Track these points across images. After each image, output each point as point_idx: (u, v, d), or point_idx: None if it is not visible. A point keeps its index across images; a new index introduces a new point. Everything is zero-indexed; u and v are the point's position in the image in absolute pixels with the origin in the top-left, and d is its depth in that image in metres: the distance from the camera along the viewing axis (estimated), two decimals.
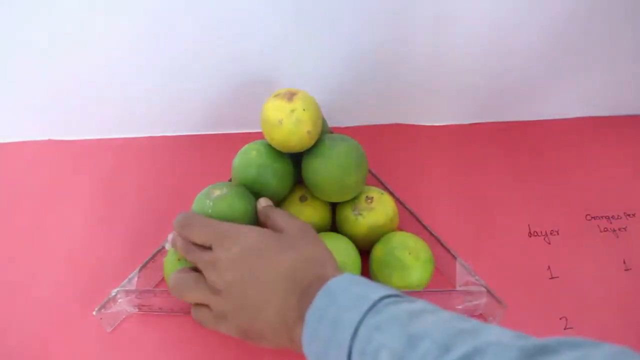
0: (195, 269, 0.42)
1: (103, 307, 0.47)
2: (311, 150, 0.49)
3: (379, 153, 0.61)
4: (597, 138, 0.64)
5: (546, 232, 0.56)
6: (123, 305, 0.49)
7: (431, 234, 0.51)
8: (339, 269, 0.40)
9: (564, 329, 0.48)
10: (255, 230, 0.42)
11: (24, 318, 0.51)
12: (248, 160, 0.49)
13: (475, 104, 0.65)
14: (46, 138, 0.67)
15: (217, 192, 0.45)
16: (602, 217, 0.57)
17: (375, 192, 0.52)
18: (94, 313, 0.47)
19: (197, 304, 0.42)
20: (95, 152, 0.66)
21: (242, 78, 0.61)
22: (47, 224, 0.58)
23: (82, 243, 0.56)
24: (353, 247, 0.49)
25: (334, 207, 0.53)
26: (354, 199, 0.51)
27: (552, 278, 0.52)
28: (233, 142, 0.54)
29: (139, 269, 0.49)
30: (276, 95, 0.47)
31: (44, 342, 0.49)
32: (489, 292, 0.47)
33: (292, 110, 0.46)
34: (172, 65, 0.58)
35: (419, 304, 0.33)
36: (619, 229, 0.56)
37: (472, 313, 0.49)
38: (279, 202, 0.52)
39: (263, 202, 0.47)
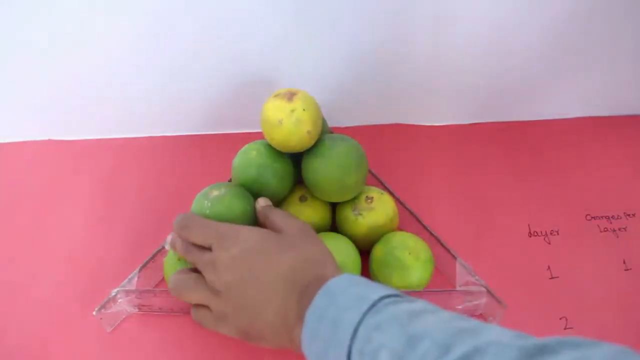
0: (195, 270, 0.42)
1: (103, 307, 0.47)
2: (311, 150, 0.49)
3: (379, 153, 0.61)
4: (597, 138, 0.64)
5: (546, 232, 0.56)
6: (123, 305, 0.49)
7: (431, 234, 0.51)
8: (338, 269, 0.40)
9: (564, 329, 0.48)
10: (254, 230, 0.42)
11: (24, 318, 0.51)
12: (248, 160, 0.49)
13: (475, 104, 0.65)
14: (46, 138, 0.67)
15: (215, 193, 0.45)
16: (602, 217, 0.57)
17: (375, 192, 0.52)
18: (94, 313, 0.47)
19: (197, 305, 0.42)
20: (95, 152, 0.66)
21: (242, 78, 0.61)
22: (47, 224, 0.58)
23: (82, 243, 0.56)
24: (353, 247, 0.49)
25: (334, 207, 0.53)
26: (354, 199, 0.51)
27: (552, 278, 0.52)
28: (233, 142, 0.54)
29: (139, 269, 0.49)
30: (276, 95, 0.47)
31: (44, 342, 0.49)
32: (489, 292, 0.47)
33: (292, 110, 0.46)
34: (172, 65, 0.58)
35: (419, 304, 0.33)
36: (619, 229, 0.56)
37: (472, 313, 0.49)
38: (279, 202, 0.52)
39: (262, 202, 0.46)
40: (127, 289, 0.48)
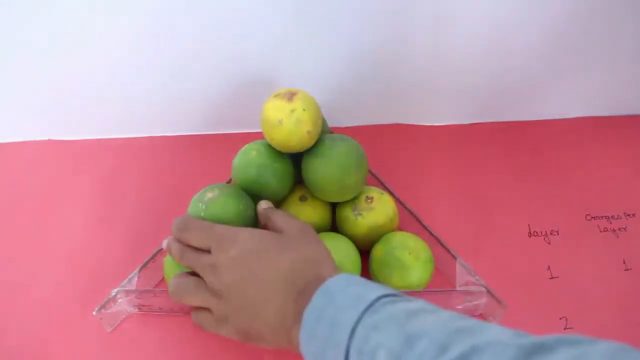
0: (193, 273, 0.42)
1: (103, 307, 0.47)
2: (311, 150, 0.49)
3: (379, 153, 0.61)
4: (597, 138, 0.64)
5: (546, 232, 0.56)
6: (123, 305, 0.49)
7: (431, 234, 0.51)
8: (337, 269, 0.40)
9: (564, 329, 0.48)
10: (253, 232, 0.42)
11: (24, 318, 0.51)
12: (248, 160, 0.49)
13: (475, 104, 0.65)
14: (46, 138, 0.67)
15: (209, 195, 0.45)
16: (602, 217, 0.57)
17: (375, 192, 0.52)
18: (94, 313, 0.47)
19: (197, 308, 0.42)
20: (95, 152, 0.66)
21: (242, 78, 0.61)
22: (47, 224, 0.58)
23: (82, 243, 0.56)
24: (353, 247, 0.49)
25: (334, 207, 0.53)
26: (354, 199, 0.51)
27: (552, 278, 0.52)
28: (233, 142, 0.54)
29: (139, 269, 0.49)
30: (276, 95, 0.47)
31: (44, 342, 0.49)
32: (489, 292, 0.47)
33: (292, 110, 0.46)
34: (172, 65, 0.58)
35: (417, 303, 0.33)
36: (619, 229, 0.56)
37: (472, 313, 0.49)
38: (279, 202, 0.52)
39: (264, 204, 0.46)
40: (127, 289, 0.48)
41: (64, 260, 0.55)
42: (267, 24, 0.55)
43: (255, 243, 0.40)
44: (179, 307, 0.49)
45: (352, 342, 0.31)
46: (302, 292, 0.37)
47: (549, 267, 0.53)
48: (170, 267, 0.48)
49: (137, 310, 0.50)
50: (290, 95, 0.46)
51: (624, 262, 0.53)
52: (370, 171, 0.55)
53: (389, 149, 0.64)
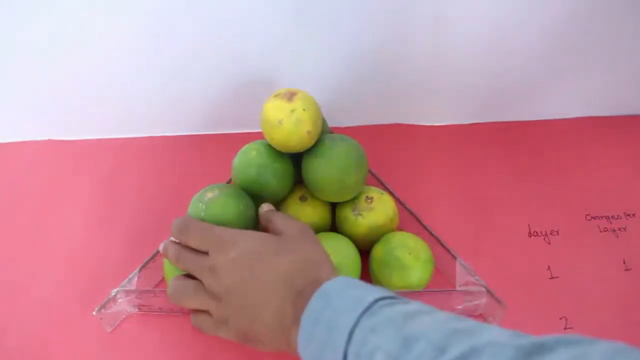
0: (190, 275, 0.42)
1: (103, 307, 0.47)
2: (311, 150, 0.49)
3: (379, 153, 0.61)
4: (597, 138, 0.64)
5: (546, 232, 0.56)
6: (123, 305, 0.49)
7: (431, 234, 0.51)
8: (335, 272, 0.40)
9: (564, 329, 0.48)
10: (252, 234, 0.41)
11: (24, 318, 0.51)
12: (248, 160, 0.49)
13: (475, 104, 0.65)
14: (46, 138, 0.67)
15: (209, 195, 0.45)
16: (602, 217, 0.57)
17: (375, 192, 0.52)
18: (94, 313, 0.47)
19: (196, 310, 0.42)
20: (95, 152, 0.66)
21: (242, 78, 0.61)
22: (47, 224, 0.58)
23: (82, 243, 0.56)
24: (353, 247, 0.49)
25: (334, 207, 0.53)
26: (354, 199, 0.51)
27: (552, 278, 0.52)
28: (233, 142, 0.54)
29: (139, 269, 0.49)
30: (276, 95, 0.47)
31: (44, 342, 0.49)
32: (489, 292, 0.47)
33: (292, 110, 0.46)
34: (172, 65, 0.58)
35: (414, 305, 0.33)
36: (619, 229, 0.56)
37: (472, 313, 0.49)
38: (278, 202, 0.52)
39: (265, 207, 0.46)
40: (127, 289, 0.48)
41: (64, 260, 0.55)
42: (267, 24, 0.55)
43: (254, 245, 0.40)
44: (178, 307, 0.49)
45: (350, 345, 0.31)
46: (301, 294, 0.37)
47: (549, 267, 0.53)
48: (170, 267, 0.48)
49: (137, 310, 0.50)
50: (290, 95, 0.46)
51: (624, 262, 0.53)
52: (370, 171, 0.55)
53: (389, 149, 0.64)
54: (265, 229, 0.45)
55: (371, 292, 0.34)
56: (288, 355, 0.38)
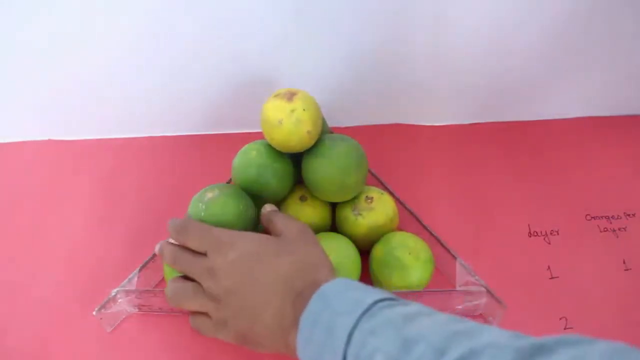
0: (187, 277, 0.42)
1: (103, 307, 0.47)
2: (311, 150, 0.49)
3: (379, 153, 0.61)
4: (597, 138, 0.64)
5: (546, 232, 0.56)
6: (123, 305, 0.49)
7: (431, 234, 0.51)
8: (334, 273, 0.40)
9: (564, 329, 0.48)
10: (251, 235, 0.41)
11: (24, 318, 0.51)
12: (248, 160, 0.49)
13: (475, 104, 0.65)
14: (46, 138, 0.67)
15: (209, 195, 0.45)
16: (602, 217, 0.57)
17: (375, 192, 0.52)
18: (94, 313, 0.47)
19: (195, 312, 0.42)
20: (95, 152, 0.66)
21: (242, 78, 0.61)
22: (47, 224, 0.58)
23: (82, 243, 0.56)
24: (353, 247, 0.49)
25: (334, 207, 0.53)
26: (354, 199, 0.51)
27: (552, 278, 0.52)
28: (233, 142, 0.54)
29: (139, 269, 0.49)
30: (276, 95, 0.47)
31: (44, 342, 0.49)
32: (489, 292, 0.47)
33: (292, 110, 0.46)
34: (172, 65, 0.58)
35: (414, 307, 0.33)
36: (619, 229, 0.56)
37: (472, 313, 0.49)
38: (279, 202, 0.52)
39: (268, 208, 0.46)
40: (127, 289, 0.48)
41: (64, 260, 0.55)
42: (267, 24, 0.55)
43: (254, 246, 0.40)
44: (178, 307, 0.49)
45: (349, 347, 0.31)
46: (300, 296, 0.36)
47: (549, 267, 0.53)
48: (170, 268, 0.48)
49: (137, 310, 0.50)
50: (290, 95, 0.46)
51: (624, 262, 0.53)
52: (370, 171, 0.55)
53: (389, 149, 0.64)
54: (266, 229, 0.45)
55: (370, 294, 0.34)
56: (287, 357, 0.38)
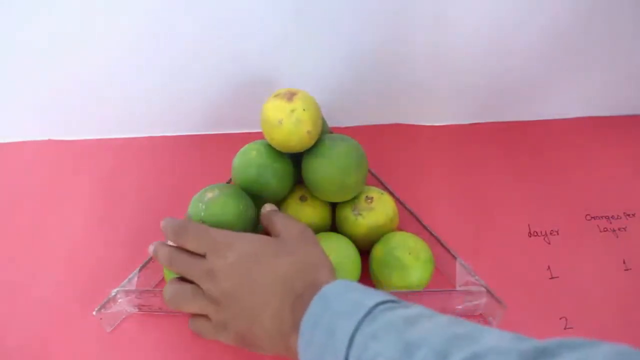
0: (184, 278, 0.41)
1: (103, 307, 0.47)
2: (311, 150, 0.49)
3: (379, 153, 0.61)
4: (597, 138, 0.64)
5: (546, 232, 0.56)
6: (123, 305, 0.49)
7: (431, 234, 0.51)
8: (334, 274, 0.40)
9: (564, 329, 0.48)
10: (250, 236, 0.41)
11: (24, 318, 0.51)
12: (248, 160, 0.49)
13: (475, 104, 0.65)
14: (46, 138, 0.67)
15: (209, 195, 0.45)
16: (602, 217, 0.57)
17: (375, 192, 0.52)
18: (94, 313, 0.47)
19: (194, 314, 0.41)
20: (95, 152, 0.66)
21: (242, 78, 0.61)
22: (47, 224, 0.58)
23: (82, 243, 0.56)
24: (353, 247, 0.49)
25: (334, 207, 0.53)
26: (354, 199, 0.51)
27: (552, 278, 0.52)
28: (233, 142, 0.54)
29: (139, 269, 0.49)
30: (276, 95, 0.47)
31: (44, 342, 0.49)
32: (489, 292, 0.47)
33: (292, 110, 0.46)
34: (172, 65, 0.58)
35: (416, 309, 0.33)
36: (619, 229, 0.56)
37: (472, 313, 0.49)
38: (279, 202, 0.52)
39: (268, 207, 0.45)
40: (127, 289, 0.48)
41: (64, 260, 0.55)
42: (267, 24, 0.55)
43: (253, 248, 0.40)
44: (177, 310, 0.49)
45: (351, 351, 0.31)
46: (300, 297, 0.36)
47: (549, 267, 0.53)
48: None
49: (137, 310, 0.50)
50: (290, 95, 0.46)
51: (624, 262, 0.53)
52: (370, 171, 0.55)
53: (389, 149, 0.64)
54: (265, 229, 0.45)
55: (371, 296, 0.34)
56: (288, 359, 0.38)
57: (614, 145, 0.64)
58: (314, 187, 0.50)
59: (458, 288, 0.49)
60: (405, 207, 0.54)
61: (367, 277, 0.50)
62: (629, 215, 0.57)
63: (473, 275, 0.48)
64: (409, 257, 0.47)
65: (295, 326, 0.35)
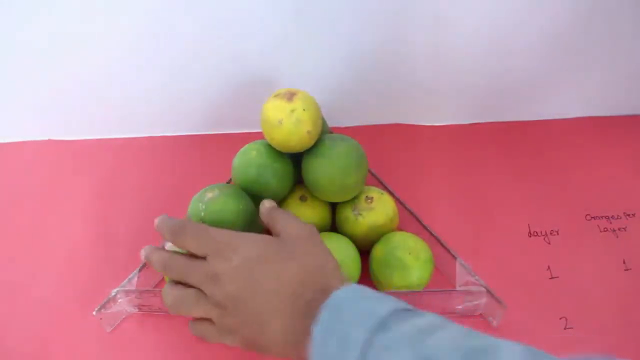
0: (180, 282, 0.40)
1: (103, 307, 0.47)
2: (311, 150, 0.49)
3: (379, 153, 0.61)
4: (597, 138, 0.64)
5: (546, 232, 0.56)
6: (123, 305, 0.49)
7: (431, 234, 0.51)
8: (342, 277, 0.38)
9: (564, 329, 0.48)
10: (254, 237, 0.39)
11: (24, 318, 0.51)
12: (248, 160, 0.49)
13: (475, 104, 0.65)
14: (46, 138, 0.67)
15: (209, 195, 0.45)
16: (602, 217, 0.57)
17: (375, 192, 0.52)
18: (94, 313, 0.47)
19: (197, 319, 0.40)
20: (95, 152, 0.66)
21: (242, 78, 0.61)
22: (47, 224, 0.58)
23: (82, 243, 0.56)
24: (353, 247, 0.49)
25: (334, 207, 0.53)
26: (354, 199, 0.51)
27: (552, 278, 0.52)
28: (233, 142, 0.54)
29: (139, 269, 0.49)
30: (276, 95, 0.47)
31: (44, 342, 0.49)
32: (489, 292, 0.47)
33: (292, 110, 0.46)
34: (172, 65, 0.58)
35: (429, 318, 0.32)
36: (619, 229, 0.56)
37: (472, 313, 0.49)
38: (279, 202, 0.52)
39: (267, 204, 0.43)
40: (127, 289, 0.48)
41: (64, 260, 0.55)
42: (267, 24, 0.55)
43: (257, 249, 0.38)
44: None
45: None
46: (310, 304, 0.35)
47: (549, 267, 0.53)
48: None
49: (137, 310, 0.50)
50: (290, 95, 0.46)
51: (624, 262, 0.53)
52: (370, 171, 0.55)
53: (389, 149, 0.64)
54: (266, 227, 0.43)
55: (383, 304, 0.33)
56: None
57: (614, 145, 0.64)
58: (314, 187, 0.50)
59: (458, 288, 0.49)
60: (405, 207, 0.54)
61: (367, 277, 0.50)
62: (629, 215, 0.57)
63: (473, 275, 0.48)
64: (409, 257, 0.47)
65: (305, 333, 0.34)
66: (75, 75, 0.59)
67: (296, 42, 0.56)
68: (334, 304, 0.34)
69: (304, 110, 0.46)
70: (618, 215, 0.57)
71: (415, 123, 0.67)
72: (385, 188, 0.55)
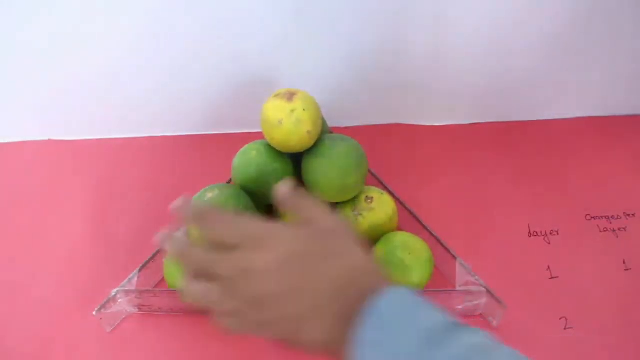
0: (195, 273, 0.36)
1: (103, 307, 0.47)
2: (311, 150, 0.49)
3: (379, 153, 0.61)
4: (597, 138, 0.64)
5: (546, 232, 0.56)
6: (123, 305, 0.49)
7: (431, 234, 0.51)
8: (382, 278, 0.36)
9: (564, 329, 0.48)
10: (289, 230, 0.35)
11: (24, 318, 0.51)
12: (248, 160, 0.49)
13: (475, 104, 0.65)
14: (46, 138, 0.67)
15: (209, 195, 0.45)
16: (602, 217, 0.57)
17: (375, 192, 0.52)
18: (94, 313, 0.47)
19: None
20: (95, 152, 0.66)
21: (242, 78, 0.61)
22: (47, 224, 0.58)
23: (82, 243, 0.56)
24: None
25: (334, 207, 0.53)
26: (354, 199, 0.51)
27: (552, 278, 0.52)
28: (233, 142, 0.54)
29: (139, 269, 0.49)
30: (276, 95, 0.47)
31: (44, 342, 0.49)
32: (489, 292, 0.47)
33: (292, 110, 0.46)
34: (172, 65, 0.58)
35: (479, 336, 0.30)
36: (619, 229, 0.56)
37: (472, 313, 0.49)
38: None
39: (285, 188, 0.37)
40: (127, 289, 0.48)
41: (64, 260, 0.55)
42: (267, 24, 0.55)
43: (298, 245, 0.34)
44: (178, 307, 0.49)
45: None
46: (352, 308, 0.33)
47: (549, 267, 0.53)
48: (170, 267, 0.48)
49: (137, 310, 0.50)
50: (290, 95, 0.46)
51: (624, 262, 0.53)
52: (370, 171, 0.55)
53: (389, 149, 0.64)
54: (283, 213, 0.40)
55: (429, 315, 0.31)
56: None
57: (614, 146, 0.64)
58: (314, 187, 0.50)
59: (458, 288, 0.49)
60: (405, 207, 0.54)
61: None
62: (629, 215, 0.57)
63: (473, 275, 0.48)
64: (409, 257, 0.47)
65: (345, 334, 0.32)
66: (75, 75, 0.59)
67: (296, 42, 0.56)
68: (378, 312, 0.31)
69: (304, 110, 0.46)
70: (618, 215, 0.57)
71: (415, 123, 0.67)
72: (385, 188, 0.55)
